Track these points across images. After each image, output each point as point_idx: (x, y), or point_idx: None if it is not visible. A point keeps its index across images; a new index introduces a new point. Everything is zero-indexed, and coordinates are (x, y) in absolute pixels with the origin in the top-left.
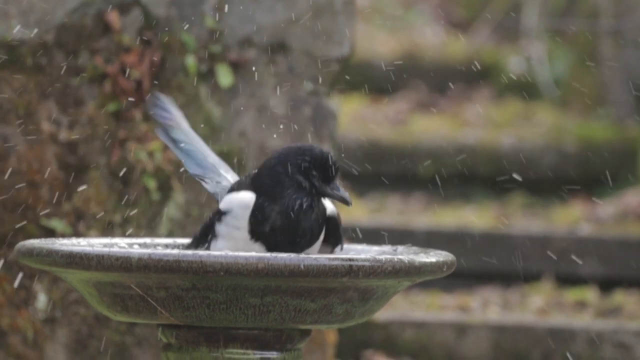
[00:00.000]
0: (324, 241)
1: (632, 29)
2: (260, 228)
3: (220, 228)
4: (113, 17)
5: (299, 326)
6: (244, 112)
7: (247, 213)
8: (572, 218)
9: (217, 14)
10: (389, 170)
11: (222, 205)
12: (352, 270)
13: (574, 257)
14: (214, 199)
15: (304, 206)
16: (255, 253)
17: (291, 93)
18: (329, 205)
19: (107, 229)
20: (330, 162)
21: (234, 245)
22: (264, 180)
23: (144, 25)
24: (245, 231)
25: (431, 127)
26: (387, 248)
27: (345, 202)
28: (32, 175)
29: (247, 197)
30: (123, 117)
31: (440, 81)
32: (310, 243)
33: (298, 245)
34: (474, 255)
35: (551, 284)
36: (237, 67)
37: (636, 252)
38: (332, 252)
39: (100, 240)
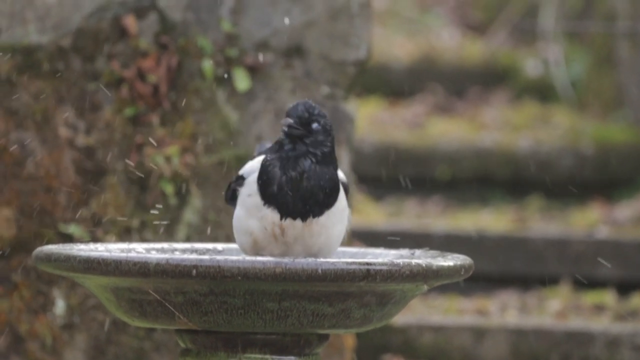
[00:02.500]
0: None
1: None
2: (269, 189)
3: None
4: (130, 21)
5: (317, 331)
6: (261, 116)
7: (255, 176)
8: (589, 221)
9: (234, 18)
10: (407, 174)
11: (236, 185)
12: (369, 274)
13: (592, 261)
14: None
15: (290, 158)
16: (272, 258)
17: (308, 97)
18: (341, 174)
19: (125, 234)
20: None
21: (245, 215)
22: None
23: (161, 29)
24: (257, 197)
25: (448, 130)
26: (404, 252)
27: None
28: (49, 181)
29: (255, 161)
30: (140, 121)
31: (458, 84)
32: (323, 204)
33: (309, 206)
34: (492, 259)
35: (569, 287)
36: (253, 71)
37: None
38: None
39: (118, 245)
